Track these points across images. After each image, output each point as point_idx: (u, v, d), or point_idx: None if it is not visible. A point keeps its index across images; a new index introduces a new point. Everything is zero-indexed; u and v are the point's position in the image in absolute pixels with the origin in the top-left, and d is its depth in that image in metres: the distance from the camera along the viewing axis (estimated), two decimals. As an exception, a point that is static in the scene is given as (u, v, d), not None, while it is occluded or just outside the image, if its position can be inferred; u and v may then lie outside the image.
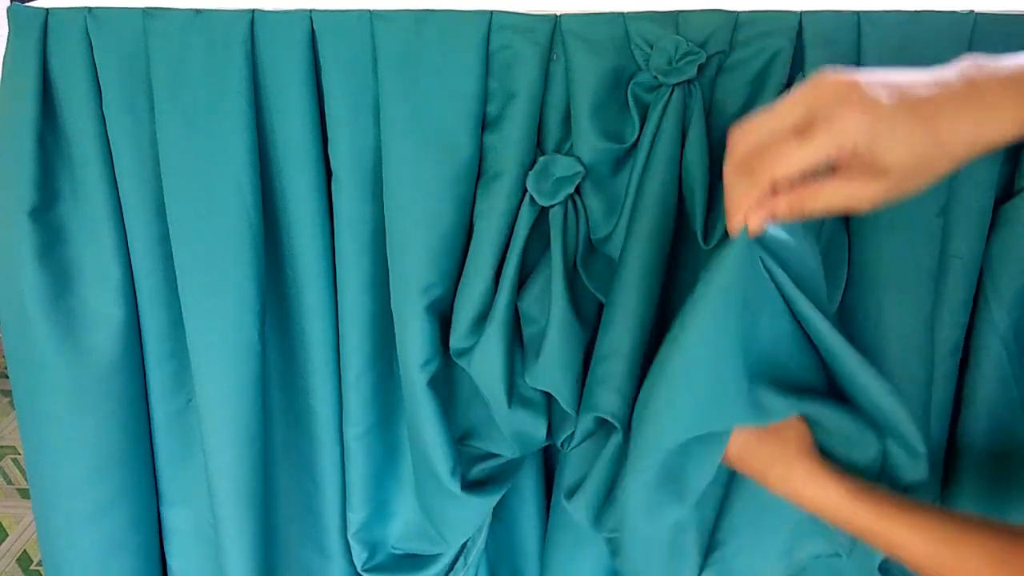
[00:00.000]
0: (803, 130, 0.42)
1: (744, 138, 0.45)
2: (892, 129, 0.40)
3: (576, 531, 0.79)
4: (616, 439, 0.65)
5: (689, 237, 0.63)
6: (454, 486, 0.71)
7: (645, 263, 0.62)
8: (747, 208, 0.46)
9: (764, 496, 0.60)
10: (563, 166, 0.63)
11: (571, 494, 0.69)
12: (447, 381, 0.74)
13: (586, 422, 0.66)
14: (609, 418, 0.63)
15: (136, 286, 0.72)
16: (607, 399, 0.62)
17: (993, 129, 0.40)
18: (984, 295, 0.66)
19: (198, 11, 0.63)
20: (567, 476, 0.70)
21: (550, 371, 0.65)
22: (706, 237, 0.62)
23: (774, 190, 0.45)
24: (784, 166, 0.43)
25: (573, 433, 0.68)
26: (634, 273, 0.62)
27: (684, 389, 0.54)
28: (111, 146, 0.67)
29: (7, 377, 0.78)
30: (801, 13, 0.60)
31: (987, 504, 0.71)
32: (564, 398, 0.66)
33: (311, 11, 0.63)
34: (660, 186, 0.61)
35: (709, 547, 0.72)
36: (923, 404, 0.66)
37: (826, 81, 0.42)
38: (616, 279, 0.63)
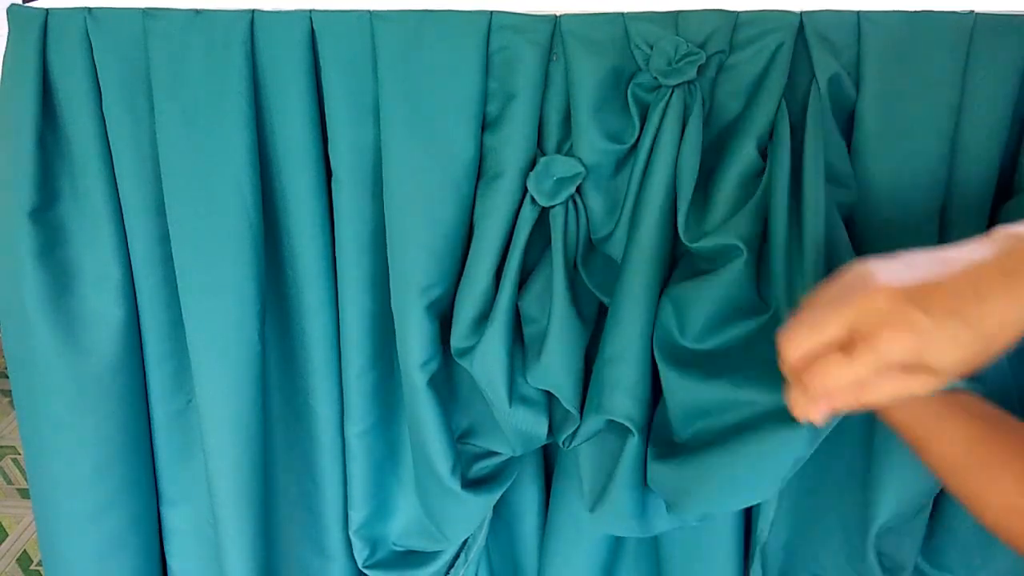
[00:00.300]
0: (847, 346, 0.43)
1: (790, 349, 0.46)
2: (938, 341, 0.41)
3: (575, 527, 0.79)
4: (633, 442, 0.64)
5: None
6: (454, 484, 0.71)
7: (650, 264, 0.62)
8: (807, 408, 0.47)
9: None
10: (563, 166, 0.63)
11: (594, 506, 0.68)
12: (447, 380, 0.74)
13: (594, 423, 0.66)
14: (624, 421, 0.62)
15: (136, 286, 0.72)
16: (620, 402, 0.62)
17: None
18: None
19: (198, 11, 0.63)
20: (587, 489, 0.69)
21: (552, 371, 0.65)
22: (687, 233, 0.62)
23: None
24: (833, 381, 0.44)
25: (575, 432, 0.68)
26: (639, 274, 0.62)
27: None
28: (111, 146, 0.67)
29: (7, 377, 0.78)
30: (801, 13, 0.60)
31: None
32: (566, 397, 0.66)
33: (311, 11, 0.63)
34: (663, 188, 0.61)
35: None
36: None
37: (866, 295, 0.42)
38: (621, 280, 0.63)
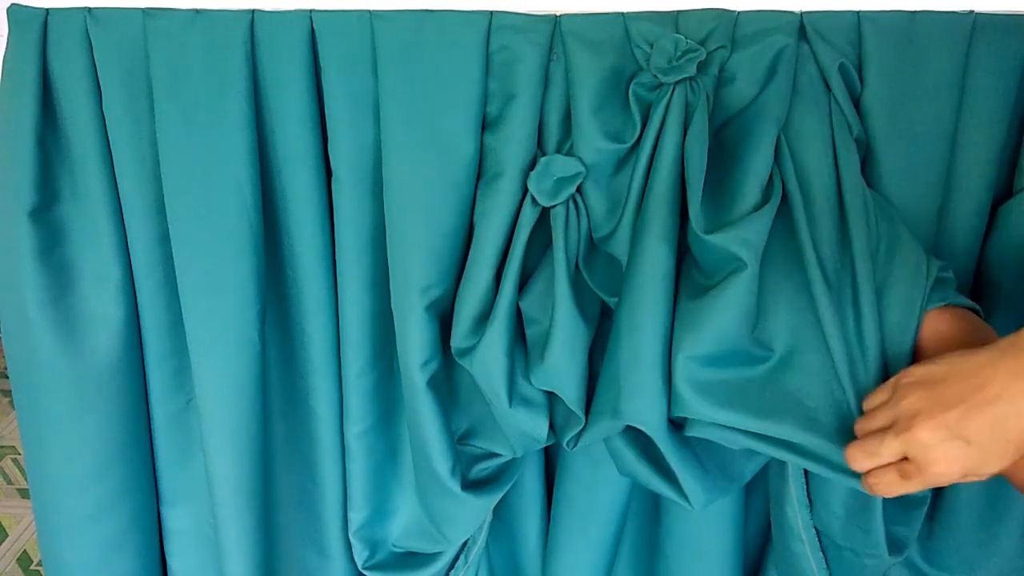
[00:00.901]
0: (903, 467, 0.51)
1: (854, 464, 0.53)
2: (983, 459, 0.48)
3: (578, 529, 0.79)
4: (666, 445, 0.63)
5: (690, 232, 0.62)
6: (454, 486, 0.71)
7: (661, 264, 0.61)
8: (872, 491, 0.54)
9: None
10: (564, 166, 0.63)
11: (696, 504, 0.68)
12: (447, 380, 0.74)
13: (607, 427, 0.65)
14: (644, 428, 0.62)
15: (136, 286, 0.72)
16: (640, 408, 0.61)
17: None
18: (982, 296, 0.66)
19: (198, 11, 0.63)
20: (670, 494, 0.68)
21: (556, 372, 0.65)
22: (701, 225, 0.61)
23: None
24: (890, 494, 0.52)
25: (579, 433, 0.68)
26: (652, 275, 0.61)
27: None
28: (111, 146, 0.67)
29: (7, 377, 0.78)
30: (801, 13, 0.60)
31: (984, 504, 0.71)
32: (570, 398, 0.66)
33: (311, 11, 0.63)
34: (668, 185, 0.61)
35: None
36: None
37: (913, 433, 0.49)
38: (632, 282, 0.62)
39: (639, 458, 0.67)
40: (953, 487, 0.72)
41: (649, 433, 0.62)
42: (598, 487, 0.76)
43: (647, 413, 0.61)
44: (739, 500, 0.77)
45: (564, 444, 0.69)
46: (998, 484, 0.69)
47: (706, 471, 0.66)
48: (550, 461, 0.83)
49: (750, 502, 0.81)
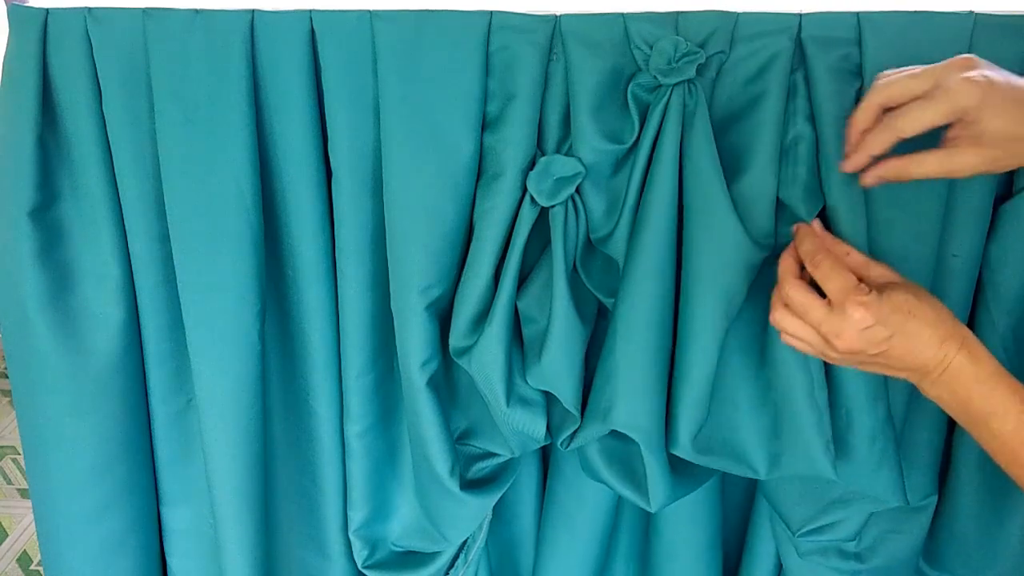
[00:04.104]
0: (927, 95, 0.51)
1: (883, 90, 0.53)
2: (998, 102, 0.49)
3: (565, 528, 0.79)
4: (649, 456, 0.64)
5: (691, 240, 0.62)
6: (453, 485, 0.71)
7: (658, 267, 0.61)
8: (871, 150, 0.54)
9: None
10: (563, 166, 0.63)
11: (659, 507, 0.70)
12: (447, 380, 0.74)
13: (599, 429, 0.65)
14: (630, 433, 0.62)
15: (136, 286, 0.72)
16: (628, 411, 0.62)
17: None
18: (983, 295, 0.66)
19: (198, 11, 0.63)
20: (651, 495, 0.70)
21: (553, 372, 0.65)
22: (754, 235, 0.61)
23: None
24: (911, 123, 0.51)
25: (573, 433, 0.68)
26: (648, 278, 0.61)
27: None
28: (111, 146, 0.67)
29: (7, 377, 0.78)
30: (801, 15, 0.60)
31: (986, 507, 0.71)
32: (567, 398, 0.66)
33: (311, 11, 0.63)
34: (667, 188, 0.61)
35: None
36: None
37: (953, 61, 0.51)
38: (628, 284, 0.62)
39: (607, 463, 0.69)
40: (953, 489, 0.71)
41: (636, 438, 0.62)
42: (585, 485, 0.77)
43: (638, 417, 0.61)
44: (716, 494, 0.79)
45: (558, 444, 0.69)
46: (999, 486, 0.69)
47: (675, 474, 0.67)
48: (548, 460, 0.83)
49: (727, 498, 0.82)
